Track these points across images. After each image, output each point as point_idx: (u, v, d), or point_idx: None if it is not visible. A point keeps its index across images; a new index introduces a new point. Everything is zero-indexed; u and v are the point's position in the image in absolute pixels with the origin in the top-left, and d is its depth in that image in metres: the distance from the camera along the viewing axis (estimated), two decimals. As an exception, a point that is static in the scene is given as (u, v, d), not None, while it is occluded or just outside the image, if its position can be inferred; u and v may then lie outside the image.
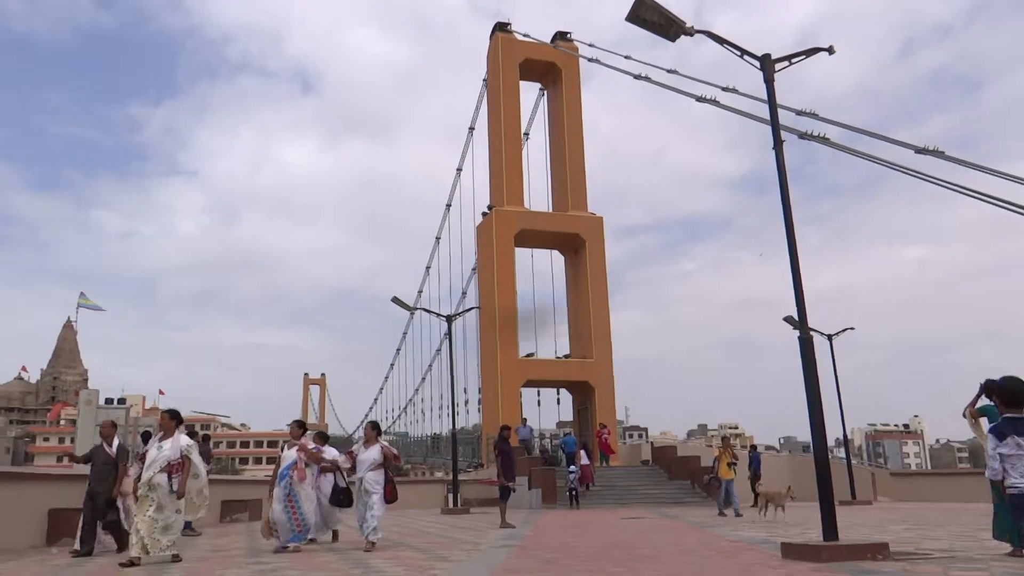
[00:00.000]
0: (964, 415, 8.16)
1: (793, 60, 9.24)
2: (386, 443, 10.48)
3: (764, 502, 16.64)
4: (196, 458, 9.08)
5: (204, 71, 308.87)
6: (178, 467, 8.72)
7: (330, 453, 11.44)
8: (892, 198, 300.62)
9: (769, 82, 8.92)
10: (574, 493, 23.64)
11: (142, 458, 9.09)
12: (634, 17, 8.55)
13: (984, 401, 7.81)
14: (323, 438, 11.91)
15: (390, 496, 10.03)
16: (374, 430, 10.50)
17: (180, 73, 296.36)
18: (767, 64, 8.89)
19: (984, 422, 7.86)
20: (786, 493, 16.35)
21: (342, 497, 10.85)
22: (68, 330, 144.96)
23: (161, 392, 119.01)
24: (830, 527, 7.47)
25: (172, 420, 9.13)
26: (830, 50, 9.54)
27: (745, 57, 8.89)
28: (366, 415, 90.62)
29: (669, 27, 8.57)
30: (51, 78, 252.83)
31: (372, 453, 10.13)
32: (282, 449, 10.84)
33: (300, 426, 11.08)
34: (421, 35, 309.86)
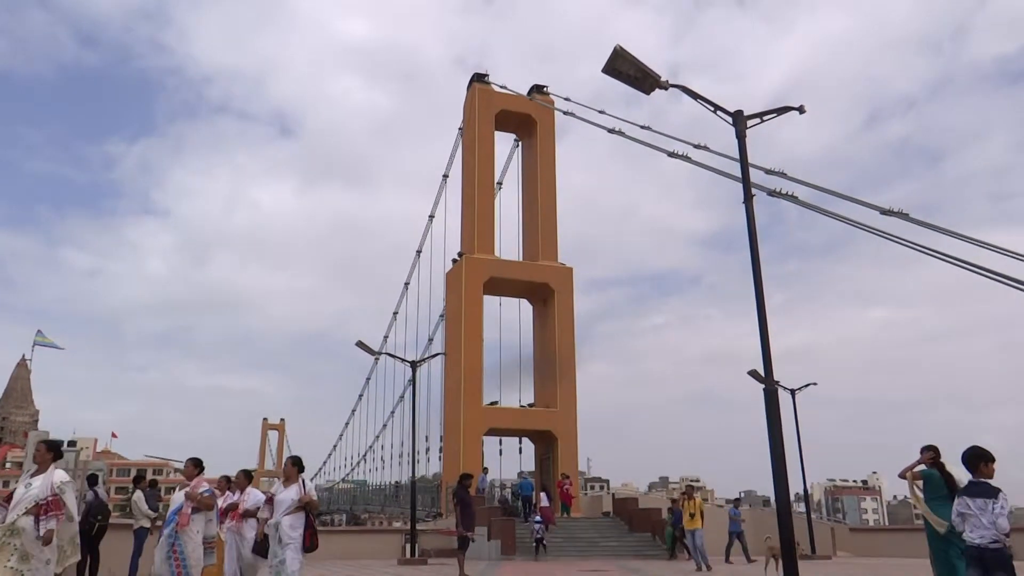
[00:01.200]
0: (902, 476, 8.63)
1: (764, 117, 9.50)
2: (310, 484, 9.20)
3: (769, 556, 15.92)
4: (70, 499, 7.78)
5: (183, 111, 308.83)
6: (48, 508, 7.41)
7: (253, 497, 10.43)
8: (857, 260, 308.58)
9: (741, 137, 9.14)
10: (540, 541, 23.54)
11: (8, 498, 7.77)
12: (611, 69, 8.74)
13: (922, 467, 8.41)
14: (247, 478, 10.91)
15: (308, 543, 8.85)
16: (295, 466, 9.11)
17: (159, 112, 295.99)
18: (739, 120, 9.12)
19: (920, 485, 8.34)
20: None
21: (265, 546, 9.53)
22: (22, 368, 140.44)
23: (114, 435, 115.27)
24: (794, 581, 7.42)
25: (49, 452, 7.83)
26: (800, 109, 9.83)
27: (718, 112, 9.11)
28: (324, 462, 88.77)
29: (644, 80, 8.77)
30: (30, 114, 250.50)
31: (291, 493, 8.85)
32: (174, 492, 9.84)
33: (246, 476, 10.51)
34: (403, 86, 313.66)
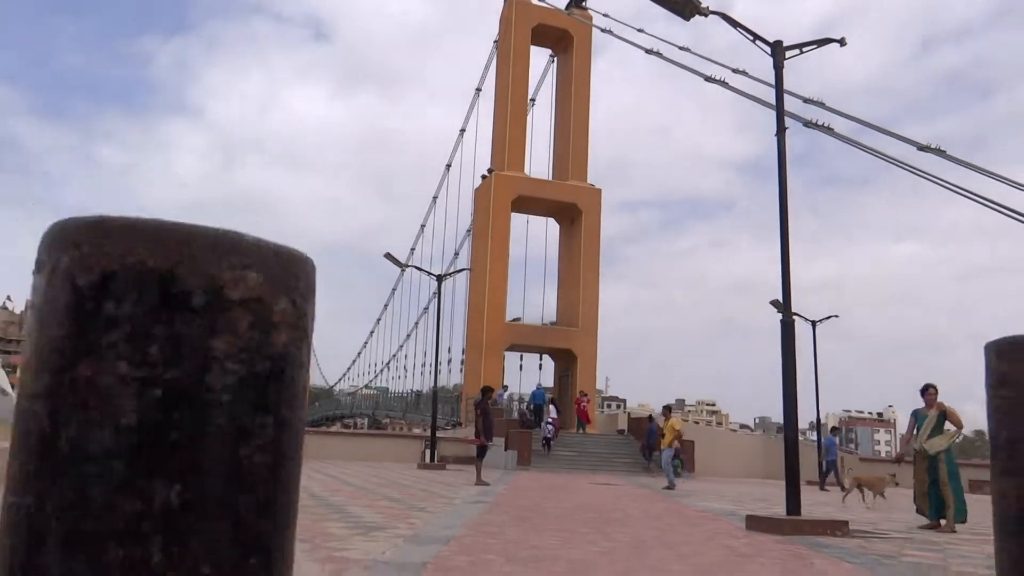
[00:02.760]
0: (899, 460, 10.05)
1: (804, 49, 9.35)
2: None
3: (853, 486, 15.33)
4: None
5: (218, 8, 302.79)
6: None
7: None
8: (894, 193, 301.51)
9: (778, 68, 9.04)
10: (549, 441, 26.20)
11: None
12: (651, -7, 8.62)
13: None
14: None
15: None
16: None
17: (194, 9, 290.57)
18: (778, 51, 9.00)
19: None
20: (888, 480, 15.03)
21: None
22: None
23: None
24: (794, 503, 7.80)
25: None
26: (841, 42, 9.65)
27: (757, 42, 8.99)
28: (348, 368, 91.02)
29: (685, 6, 8.65)
30: (69, 6, 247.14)
31: None
32: None
33: None
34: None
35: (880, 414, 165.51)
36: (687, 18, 8.78)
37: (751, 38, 8.94)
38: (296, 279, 0.52)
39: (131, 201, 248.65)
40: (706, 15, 8.80)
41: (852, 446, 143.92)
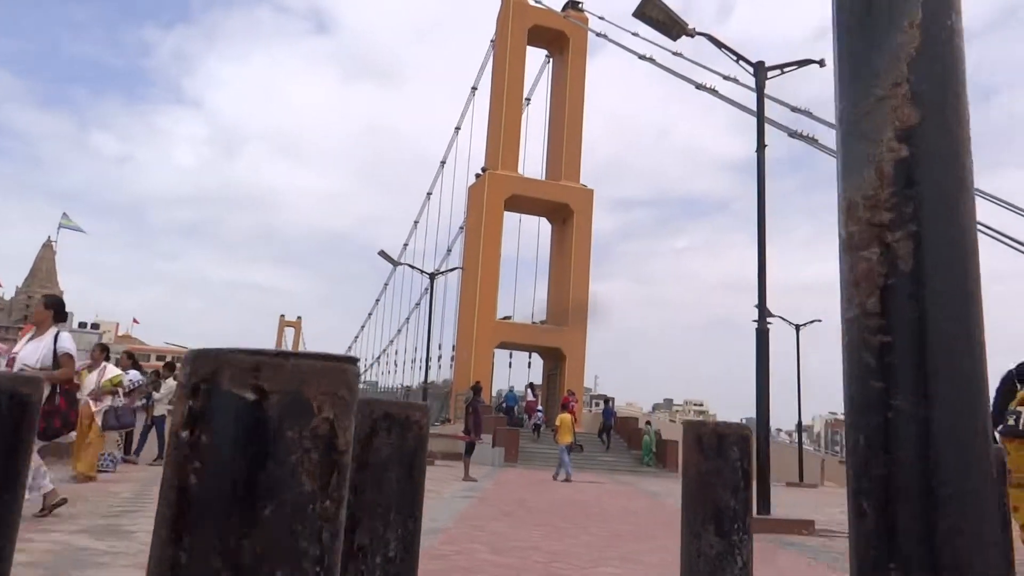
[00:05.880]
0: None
1: (785, 69, 9.78)
2: (67, 339, 6.15)
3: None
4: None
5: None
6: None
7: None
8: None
9: (760, 88, 9.46)
10: (539, 427, 28.45)
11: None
12: (640, 14, 9.01)
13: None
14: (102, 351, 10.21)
15: (44, 428, 5.74)
16: (49, 309, 6.29)
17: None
18: (760, 71, 9.42)
19: None
20: None
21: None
22: (47, 250, 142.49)
23: (135, 321, 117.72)
24: (763, 501, 8.24)
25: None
26: (821, 63, 10.07)
27: (740, 62, 9.41)
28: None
29: (672, 27, 9.05)
30: None
31: (37, 350, 6.05)
32: None
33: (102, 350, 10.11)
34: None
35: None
36: (674, 38, 9.18)
37: (734, 58, 9.36)
38: (349, 388, 0.76)
39: (128, 190, 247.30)
40: (692, 36, 9.21)
41: (837, 448, 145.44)
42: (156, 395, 13.14)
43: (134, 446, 12.69)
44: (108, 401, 9.49)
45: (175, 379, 14.16)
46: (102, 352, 10.17)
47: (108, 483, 8.78)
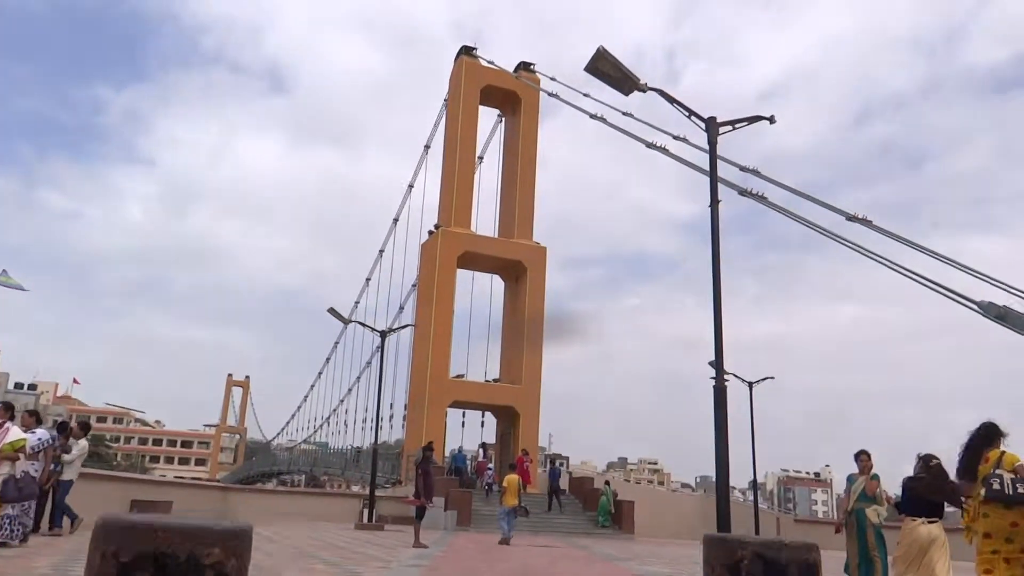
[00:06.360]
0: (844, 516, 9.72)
1: (736, 125, 9.84)
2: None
3: None
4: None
5: (176, 58, 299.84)
6: None
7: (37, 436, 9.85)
8: (833, 256, 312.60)
9: (712, 144, 9.48)
10: (491, 486, 28.39)
11: None
12: (593, 68, 9.01)
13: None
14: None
15: None
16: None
17: (151, 57, 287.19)
18: (711, 126, 9.46)
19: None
20: None
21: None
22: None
23: (75, 381, 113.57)
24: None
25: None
26: (771, 120, 10.18)
27: (692, 118, 9.43)
28: (288, 422, 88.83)
29: (624, 82, 9.06)
30: (20, 48, 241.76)
31: None
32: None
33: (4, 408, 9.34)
34: (399, 49, 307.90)
35: (817, 474, 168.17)
36: (626, 93, 9.18)
37: (687, 114, 9.39)
38: (240, 543, 0.96)
39: (74, 247, 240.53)
40: (644, 91, 9.22)
41: (791, 506, 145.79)
42: (66, 457, 11.72)
43: (46, 515, 11.56)
44: (6, 468, 8.70)
45: (87, 440, 12.74)
46: (5, 411, 9.19)
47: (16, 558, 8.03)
